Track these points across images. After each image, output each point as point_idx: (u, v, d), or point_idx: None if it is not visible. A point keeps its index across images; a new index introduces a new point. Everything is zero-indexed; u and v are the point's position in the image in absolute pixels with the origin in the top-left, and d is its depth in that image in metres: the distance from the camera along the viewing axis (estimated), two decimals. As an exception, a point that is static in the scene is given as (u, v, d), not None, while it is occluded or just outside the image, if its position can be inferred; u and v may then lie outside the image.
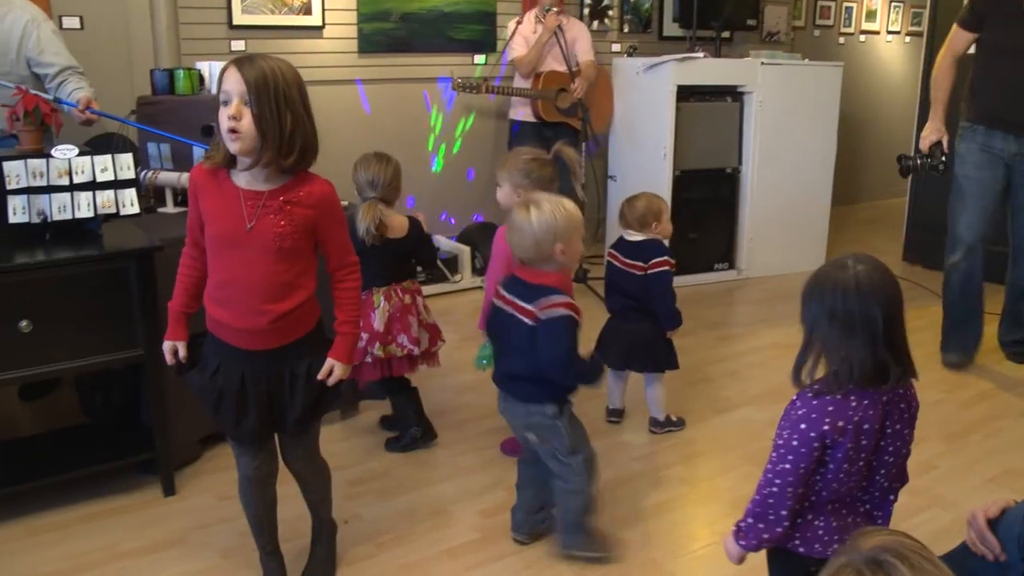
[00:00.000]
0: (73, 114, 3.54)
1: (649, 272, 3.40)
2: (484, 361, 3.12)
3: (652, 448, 3.44)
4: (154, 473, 3.07)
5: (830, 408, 1.81)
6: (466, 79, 5.28)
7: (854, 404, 1.81)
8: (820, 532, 1.91)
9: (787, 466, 1.84)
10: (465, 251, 5.49)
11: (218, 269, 2.18)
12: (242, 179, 2.13)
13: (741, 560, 1.96)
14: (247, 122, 2.01)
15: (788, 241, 5.85)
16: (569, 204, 2.51)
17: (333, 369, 2.25)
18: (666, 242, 3.55)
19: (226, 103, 2.03)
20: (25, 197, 2.82)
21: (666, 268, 3.40)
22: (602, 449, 3.39)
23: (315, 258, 2.25)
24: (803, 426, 1.82)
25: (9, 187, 2.79)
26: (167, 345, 2.31)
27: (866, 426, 1.81)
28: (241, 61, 2.04)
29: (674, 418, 3.59)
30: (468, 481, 3.17)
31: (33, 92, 3.05)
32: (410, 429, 3.43)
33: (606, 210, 6.11)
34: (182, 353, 2.31)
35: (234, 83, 2.02)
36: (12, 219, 2.81)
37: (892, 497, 1.98)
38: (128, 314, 2.86)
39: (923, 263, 5.97)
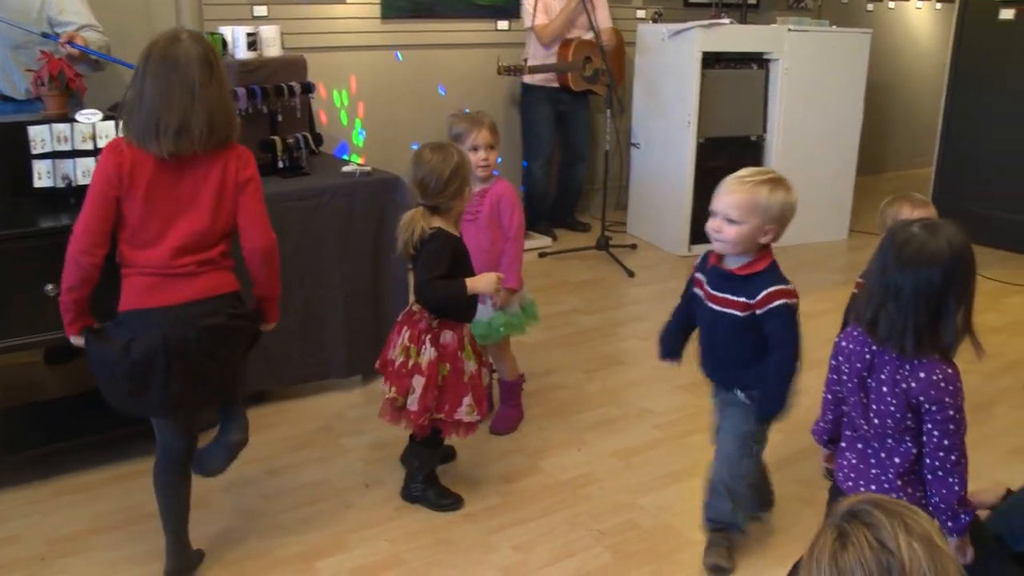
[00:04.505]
0: (59, 50, 3.47)
1: None
2: (502, 328, 3.15)
3: (673, 416, 3.44)
4: (177, 436, 3.09)
5: (847, 330, 2.04)
6: (510, 65, 5.22)
7: (854, 335, 1.99)
8: (844, 463, 2.06)
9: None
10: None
11: None
12: None
13: (825, 457, 2.21)
14: None
15: (812, 210, 5.69)
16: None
17: None
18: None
19: None
20: (50, 162, 2.83)
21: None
22: (621, 416, 3.41)
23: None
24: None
25: (34, 151, 2.81)
26: None
27: (853, 358, 1.98)
28: None
29: None
30: (488, 447, 3.18)
31: (57, 57, 3.05)
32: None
33: (628, 178, 6.07)
34: None
35: None
36: (37, 183, 2.83)
37: (896, 482, 1.96)
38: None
39: (949, 233, 5.89)
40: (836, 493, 2.11)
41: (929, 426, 1.87)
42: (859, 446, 2.03)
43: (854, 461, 2.04)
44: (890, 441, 1.94)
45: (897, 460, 1.94)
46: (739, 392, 2.47)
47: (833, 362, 2.07)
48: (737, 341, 2.39)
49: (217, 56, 2.21)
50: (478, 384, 2.71)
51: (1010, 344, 4.21)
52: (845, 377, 2.00)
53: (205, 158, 2.20)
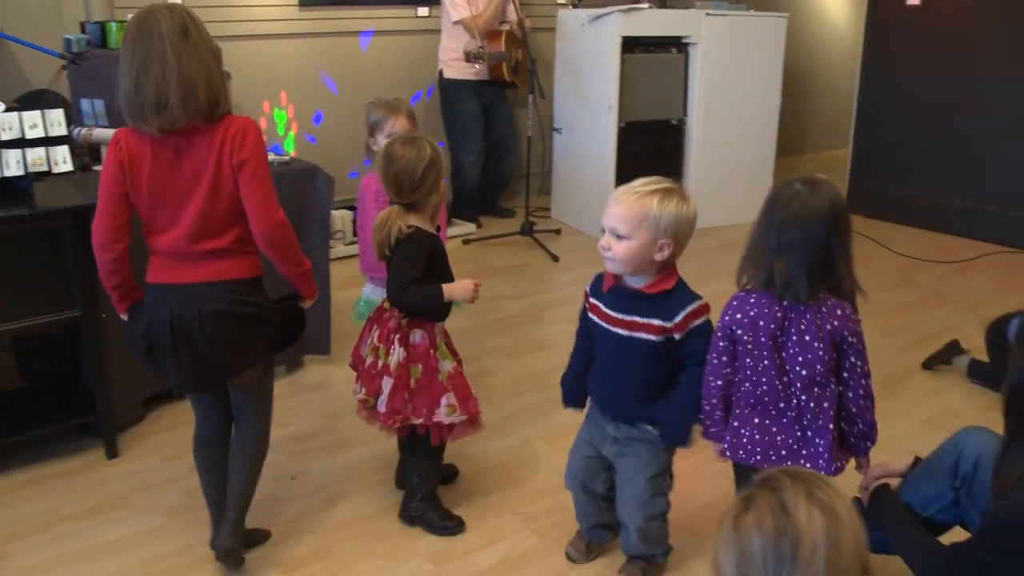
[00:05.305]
0: None
1: None
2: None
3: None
4: (96, 435, 3.03)
5: (735, 303, 2.06)
6: (477, 51, 5.21)
7: (752, 300, 2.02)
8: (744, 440, 2.09)
9: (709, 356, 2.11)
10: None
11: None
12: None
13: (718, 452, 2.16)
14: None
15: (733, 192, 5.86)
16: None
17: None
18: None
19: None
20: (-50, 155, 2.74)
21: None
22: (547, 400, 3.43)
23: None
24: (719, 321, 2.08)
25: (-68, 145, 2.71)
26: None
27: (761, 322, 2.01)
28: None
29: None
30: (416, 435, 3.18)
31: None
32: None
33: (551, 163, 6.09)
34: None
35: None
36: (-63, 178, 2.73)
37: (828, 425, 2.04)
38: (64, 274, 2.80)
39: (865, 212, 6.05)
40: (742, 471, 2.16)
41: (853, 359, 2.01)
42: (756, 420, 2.07)
43: (757, 436, 2.07)
44: (816, 390, 2.02)
45: (826, 405, 2.02)
46: (648, 427, 2.26)
47: (723, 343, 2.07)
48: (648, 370, 2.19)
49: (198, 26, 2.13)
50: (460, 383, 2.54)
51: (923, 318, 4.34)
52: (751, 346, 2.03)
53: (201, 140, 2.12)
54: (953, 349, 3.75)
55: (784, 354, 2.01)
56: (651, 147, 5.65)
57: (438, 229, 2.57)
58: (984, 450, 2.05)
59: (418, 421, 2.50)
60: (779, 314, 1.99)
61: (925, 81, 5.89)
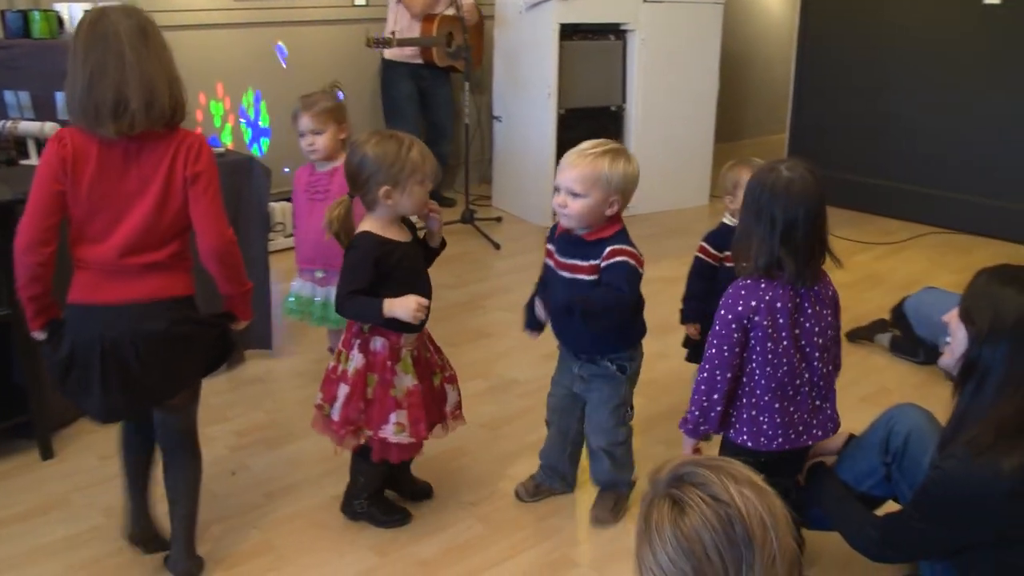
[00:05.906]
0: None
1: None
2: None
3: (539, 384, 3.46)
4: (31, 436, 2.96)
5: (743, 291, 2.08)
6: (377, 36, 5.17)
7: (764, 286, 2.07)
8: (765, 427, 2.12)
9: (714, 351, 2.11)
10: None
11: None
12: None
13: (693, 448, 2.22)
14: None
15: (673, 178, 5.91)
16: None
17: None
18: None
19: None
20: None
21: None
22: (489, 388, 3.44)
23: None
24: (723, 311, 2.10)
25: None
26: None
27: (778, 304, 2.06)
28: None
29: None
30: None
31: None
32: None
33: (492, 151, 6.09)
34: None
35: None
36: None
37: (832, 386, 2.22)
38: (-10, 272, 2.73)
39: (802, 196, 6.14)
40: (736, 451, 2.15)
41: (839, 318, 2.23)
42: (776, 405, 2.10)
43: (778, 420, 2.10)
44: (826, 355, 2.14)
45: (831, 367, 2.19)
46: (608, 364, 2.48)
47: (736, 334, 2.07)
48: None
49: (154, 28, 2.07)
50: (416, 403, 2.41)
51: (859, 299, 4.41)
52: (771, 331, 2.05)
53: (153, 148, 2.06)
54: (878, 327, 3.88)
55: (798, 331, 2.08)
56: (591, 134, 5.46)
57: (433, 249, 2.51)
58: (913, 427, 2.10)
59: (368, 433, 2.43)
60: (792, 293, 2.07)
61: (859, 66, 5.99)
